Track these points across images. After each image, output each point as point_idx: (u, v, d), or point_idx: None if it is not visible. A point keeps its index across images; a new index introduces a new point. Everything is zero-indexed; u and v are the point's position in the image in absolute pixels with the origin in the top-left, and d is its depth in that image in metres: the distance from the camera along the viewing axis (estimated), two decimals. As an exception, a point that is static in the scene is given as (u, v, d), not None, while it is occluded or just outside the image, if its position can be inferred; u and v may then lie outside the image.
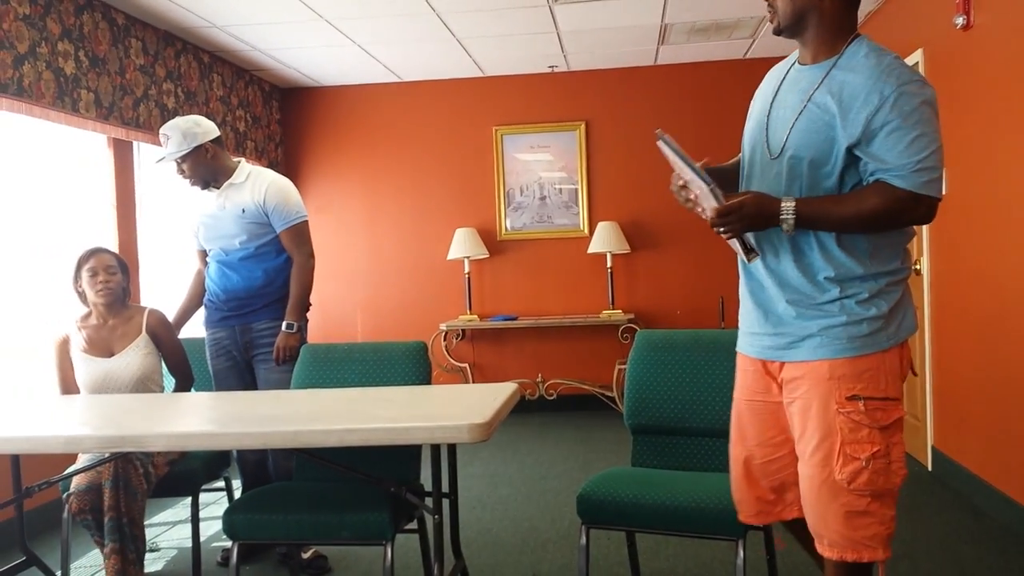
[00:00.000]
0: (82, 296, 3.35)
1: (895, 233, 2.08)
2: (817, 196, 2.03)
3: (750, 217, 2.01)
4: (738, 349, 2.30)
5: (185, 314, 3.92)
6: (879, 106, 1.96)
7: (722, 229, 2.03)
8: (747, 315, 2.24)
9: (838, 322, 2.04)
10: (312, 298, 3.80)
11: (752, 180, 2.21)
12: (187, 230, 3.90)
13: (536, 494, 4.56)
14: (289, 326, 3.61)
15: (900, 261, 2.11)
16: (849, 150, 2.01)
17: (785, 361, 2.13)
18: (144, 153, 5.31)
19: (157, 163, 3.66)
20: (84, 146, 4.91)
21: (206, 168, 3.63)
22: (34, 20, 4.18)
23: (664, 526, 2.63)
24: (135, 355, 3.33)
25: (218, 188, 3.66)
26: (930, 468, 4.69)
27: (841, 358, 2.03)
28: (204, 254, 3.85)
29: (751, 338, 2.23)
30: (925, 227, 4.64)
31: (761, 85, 2.35)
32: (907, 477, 2.12)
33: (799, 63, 2.17)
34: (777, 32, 2.16)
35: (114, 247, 4.97)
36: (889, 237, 2.07)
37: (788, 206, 1.99)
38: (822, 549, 2.10)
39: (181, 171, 3.63)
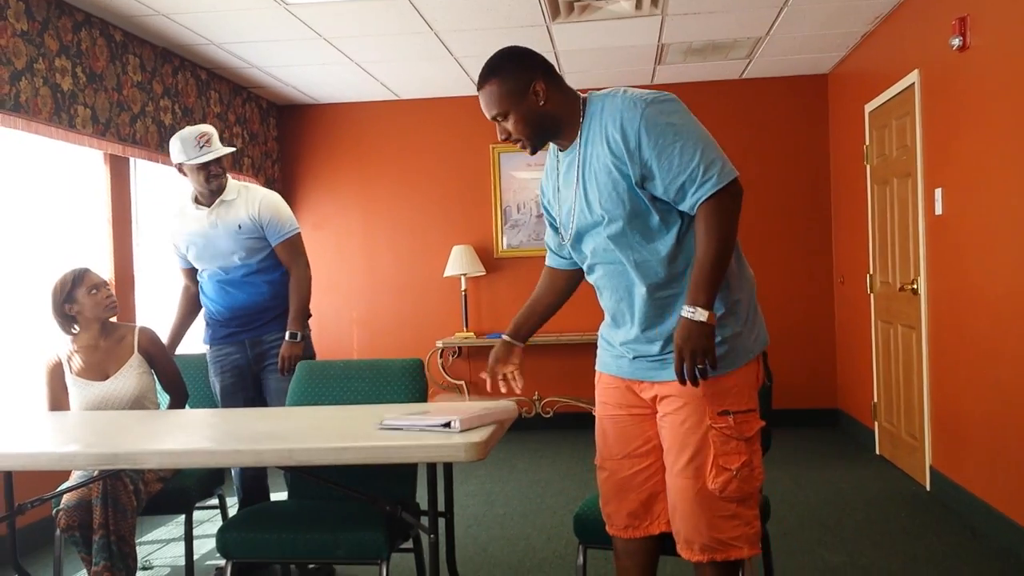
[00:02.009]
0: (67, 320, 3.26)
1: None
2: (694, 278, 2.14)
3: (690, 341, 2.11)
4: (601, 370, 2.45)
5: (178, 333, 3.91)
6: (638, 137, 2.13)
7: (697, 367, 2.11)
8: (612, 338, 2.39)
9: None
10: (316, 313, 3.85)
11: (596, 274, 2.37)
12: (167, 249, 3.88)
13: (533, 513, 4.53)
14: (293, 335, 3.64)
15: (744, 285, 2.28)
16: (640, 188, 2.17)
17: (655, 381, 2.28)
18: (140, 170, 5.30)
19: (209, 157, 3.56)
20: (80, 162, 4.90)
21: (225, 177, 3.68)
22: (32, 36, 4.18)
23: (661, 546, 2.60)
24: (130, 375, 3.30)
25: (208, 206, 3.66)
26: (928, 488, 4.67)
27: (712, 377, 2.15)
28: (191, 272, 3.85)
29: (618, 360, 2.38)
30: (922, 247, 4.65)
31: (546, 183, 2.46)
32: (764, 480, 2.27)
33: (560, 151, 2.34)
34: (534, 152, 2.32)
35: (110, 264, 4.96)
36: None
37: (686, 308, 2.12)
38: (691, 554, 2.24)
39: (215, 171, 3.61)
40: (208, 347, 3.79)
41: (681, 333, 2.13)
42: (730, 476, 2.19)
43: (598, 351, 2.48)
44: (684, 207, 2.17)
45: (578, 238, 2.35)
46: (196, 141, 3.55)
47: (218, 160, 3.61)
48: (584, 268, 2.43)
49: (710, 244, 2.13)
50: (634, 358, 2.32)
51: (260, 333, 3.72)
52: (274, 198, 3.77)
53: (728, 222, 2.14)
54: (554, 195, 2.41)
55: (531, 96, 2.21)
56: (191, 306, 3.90)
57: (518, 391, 2.55)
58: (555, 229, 2.49)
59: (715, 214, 2.12)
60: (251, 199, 3.68)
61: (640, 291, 2.26)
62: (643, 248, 2.23)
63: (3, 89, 3.99)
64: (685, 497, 2.23)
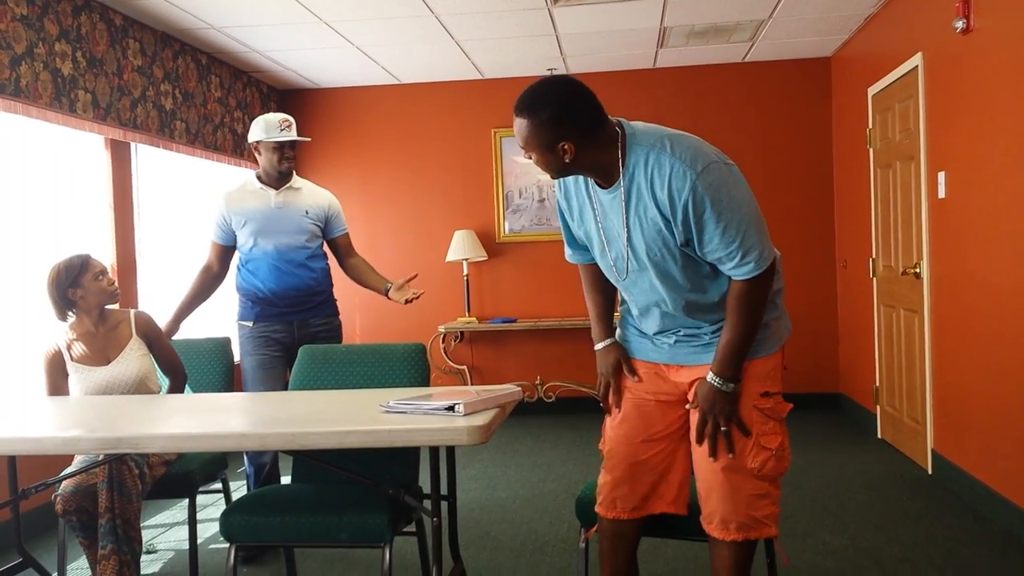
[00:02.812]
0: (68, 305, 3.24)
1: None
2: (723, 351, 2.21)
3: (716, 408, 2.22)
4: (636, 356, 2.44)
5: (187, 310, 3.98)
6: (685, 215, 2.11)
7: (721, 426, 2.23)
8: (644, 327, 2.41)
9: None
10: (345, 301, 4.30)
11: (629, 291, 2.38)
12: (209, 223, 4.03)
13: (535, 497, 4.55)
14: (391, 283, 4.01)
15: (778, 280, 2.34)
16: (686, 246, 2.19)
17: (697, 364, 2.32)
18: (141, 154, 5.29)
19: (286, 137, 3.90)
20: (81, 147, 4.89)
21: (295, 163, 4.03)
22: (31, 21, 4.17)
23: (664, 529, 2.61)
24: (132, 358, 3.30)
25: (275, 188, 3.95)
26: (930, 472, 4.68)
27: (755, 358, 2.25)
28: (224, 251, 4.01)
29: (657, 346, 2.39)
30: (925, 231, 4.64)
31: (564, 194, 2.43)
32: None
33: (597, 186, 2.27)
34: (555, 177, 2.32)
35: (111, 249, 4.96)
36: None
37: (716, 379, 2.21)
38: (727, 534, 2.25)
39: (288, 154, 3.94)
40: (249, 324, 3.95)
41: (708, 399, 2.22)
42: (769, 455, 2.24)
43: (627, 336, 2.48)
44: (715, 263, 2.20)
45: (621, 274, 2.34)
46: (279, 124, 3.91)
47: (292, 145, 3.94)
48: (611, 278, 2.42)
49: (741, 322, 2.19)
50: (676, 343, 2.35)
51: (308, 316, 3.98)
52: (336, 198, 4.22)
53: (760, 303, 2.21)
54: (581, 216, 2.38)
55: (558, 151, 2.15)
56: (207, 286, 4.03)
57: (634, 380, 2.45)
58: (573, 243, 2.52)
59: (747, 295, 2.18)
60: (318, 192, 4.11)
61: (678, 309, 2.30)
62: (692, 293, 2.26)
63: (3, 74, 3.97)
64: (724, 477, 2.25)
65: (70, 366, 3.27)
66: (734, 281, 2.19)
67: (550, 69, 6.64)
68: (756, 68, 6.68)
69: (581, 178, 2.32)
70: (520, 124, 2.18)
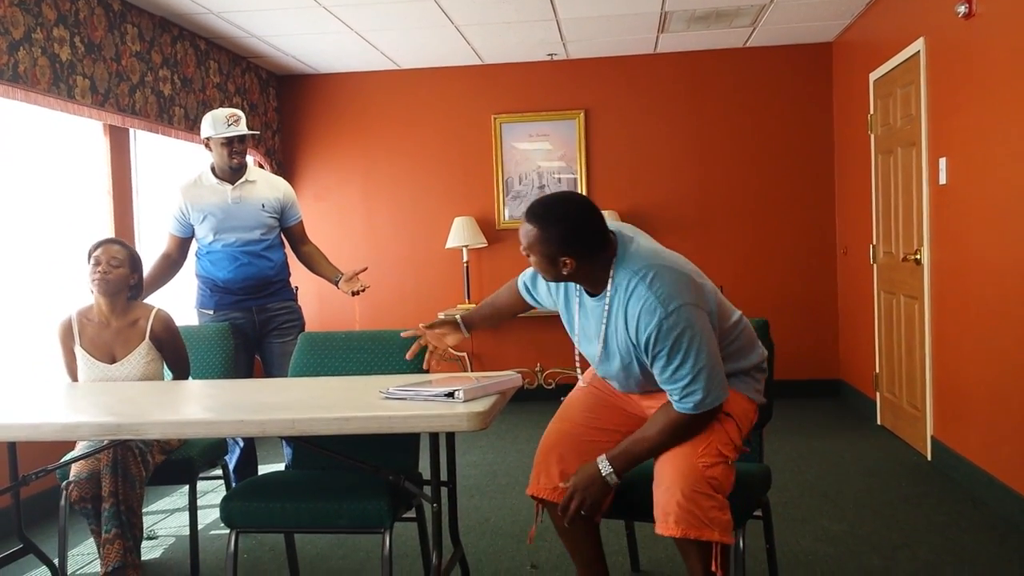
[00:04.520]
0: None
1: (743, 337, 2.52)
2: (627, 447, 2.40)
3: (588, 491, 2.38)
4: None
5: (147, 292, 3.97)
6: (646, 345, 2.31)
7: (579, 510, 2.38)
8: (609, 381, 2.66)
9: None
10: (310, 286, 4.41)
11: (599, 364, 2.58)
12: (167, 217, 4.15)
13: (534, 483, 4.55)
14: (341, 274, 4.17)
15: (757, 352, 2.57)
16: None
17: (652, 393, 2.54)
18: (140, 140, 5.28)
19: (234, 133, 3.95)
20: (80, 133, 4.88)
21: (245, 157, 4.08)
22: (29, 6, 4.14)
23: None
24: (137, 363, 3.26)
25: (231, 183, 4.02)
26: (929, 458, 4.69)
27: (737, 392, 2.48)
28: (182, 242, 4.13)
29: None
30: (926, 217, 4.63)
31: (559, 286, 2.62)
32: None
33: (586, 292, 2.50)
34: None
35: (111, 235, 4.94)
36: (740, 341, 2.50)
37: (605, 464, 2.38)
38: (667, 528, 2.29)
39: (238, 148, 3.99)
40: (210, 312, 4.09)
41: (586, 479, 2.38)
42: (720, 461, 2.34)
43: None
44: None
45: (591, 359, 2.58)
46: (226, 120, 3.97)
47: (241, 139, 3.99)
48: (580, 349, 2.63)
49: (658, 436, 2.36)
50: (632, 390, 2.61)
51: (267, 301, 4.11)
52: (291, 186, 4.34)
53: (684, 433, 2.36)
54: (566, 302, 2.59)
55: (559, 264, 2.36)
56: (166, 272, 4.14)
57: (426, 368, 2.75)
58: (533, 292, 2.75)
59: (677, 422, 2.34)
60: (274, 183, 4.20)
61: (638, 388, 2.56)
62: (654, 386, 2.45)
63: (1, 59, 3.95)
64: (674, 467, 2.32)
65: (77, 350, 3.25)
66: (667, 404, 2.38)
67: (550, 54, 6.61)
68: (757, 53, 6.65)
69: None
70: (529, 230, 2.37)
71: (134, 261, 3.31)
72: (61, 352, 3.32)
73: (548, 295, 2.67)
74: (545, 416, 2.73)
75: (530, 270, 2.70)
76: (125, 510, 2.92)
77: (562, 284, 2.56)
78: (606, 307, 2.40)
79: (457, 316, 2.81)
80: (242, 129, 3.97)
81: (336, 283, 4.16)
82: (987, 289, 3.96)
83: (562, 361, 6.71)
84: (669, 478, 2.32)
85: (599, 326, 2.45)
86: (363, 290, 4.13)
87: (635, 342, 2.34)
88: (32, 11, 4.16)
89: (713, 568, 2.29)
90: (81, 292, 3.38)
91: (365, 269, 4.19)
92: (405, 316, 6.79)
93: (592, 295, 2.46)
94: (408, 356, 2.84)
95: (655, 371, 2.35)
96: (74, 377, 3.32)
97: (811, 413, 6.02)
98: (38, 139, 4.65)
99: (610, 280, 2.38)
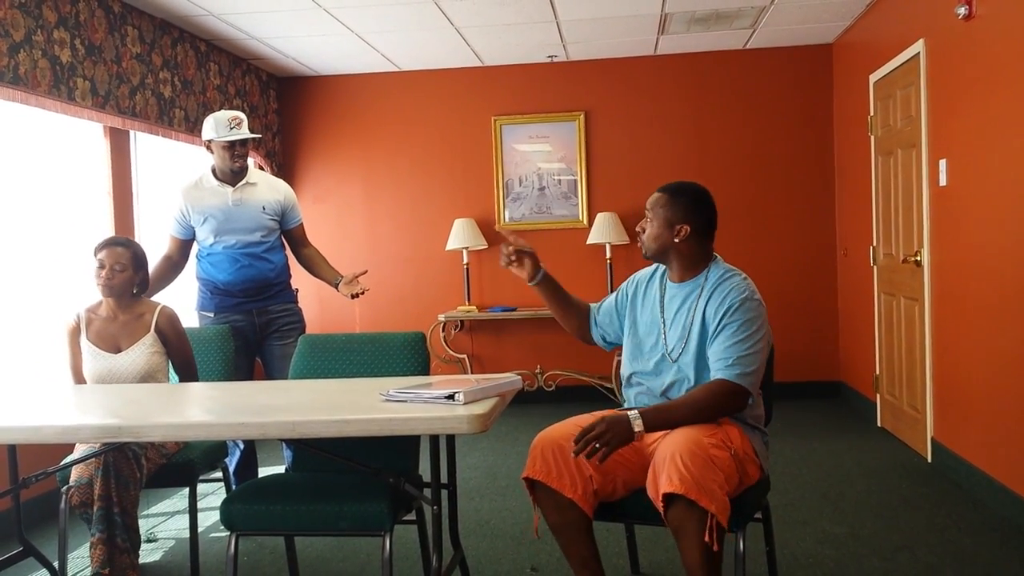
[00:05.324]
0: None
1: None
2: (666, 405, 2.56)
3: (611, 432, 2.40)
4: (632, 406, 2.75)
5: (150, 293, 3.99)
6: (725, 312, 2.56)
7: (598, 446, 2.39)
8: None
9: None
10: (310, 288, 4.43)
11: (649, 377, 2.72)
12: (168, 219, 4.15)
13: (535, 485, 4.55)
14: (341, 276, 4.19)
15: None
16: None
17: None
18: (140, 143, 5.28)
19: (236, 136, 3.95)
20: (80, 135, 4.88)
21: (247, 160, 4.08)
22: (29, 8, 4.14)
23: (661, 518, 2.61)
24: (140, 353, 3.30)
25: (232, 185, 4.02)
26: (930, 460, 4.69)
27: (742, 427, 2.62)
28: (183, 244, 4.14)
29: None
30: (926, 219, 4.62)
31: (634, 289, 2.87)
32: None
33: (669, 280, 2.77)
34: (646, 257, 2.77)
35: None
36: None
37: (636, 414, 2.44)
38: (669, 485, 2.28)
39: (240, 152, 3.99)
40: (211, 314, 4.08)
41: (612, 421, 2.41)
42: (726, 449, 2.43)
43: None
44: (710, 364, 2.57)
45: (656, 367, 2.70)
46: (228, 122, 3.96)
47: (243, 142, 3.99)
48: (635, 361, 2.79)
49: (693, 408, 2.50)
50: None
51: (267, 303, 4.11)
52: (291, 189, 4.32)
53: (715, 408, 2.51)
54: (643, 303, 2.80)
55: (674, 229, 2.66)
56: (168, 273, 4.14)
57: (510, 251, 2.81)
58: (610, 313, 2.90)
59: (716, 397, 2.51)
60: (275, 185, 4.20)
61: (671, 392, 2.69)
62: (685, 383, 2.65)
63: (2, 62, 3.95)
64: (679, 435, 2.39)
65: (83, 343, 3.30)
66: (716, 379, 2.52)
67: (550, 56, 6.61)
68: (757, 55, 6.65)
69: (658, 273, 2.80)
70: (658, 196, 2.71)
71: (138, 260, 3.36)
72: (68, 351, 3.35)
73: (612, 309, 2.87)
74: (545, 419, 2.73)
75: (597, 303, 2.94)
76: (119, 512, 2.92)
77: (634, 284, 2.85)
78: (700, 288, 2.66)
79: (543, 266, 2.88)
80: (244, 133, 3.97)
81: (336, 286, 4.17)
82: (987, 291, 3.96)
83: (562, 363, 6.71)
84: (674, 446, 2.34)
85: (675, 312, 2.68)
86: (362, 293, 4.14)
87: (712, 317, 2.58)
88: (33, 13, 4.16)
89: (707, 539, 2.26)
90: (84, 293, 3.40)
91: (365, 272, 4.20)
92: (405, 318, 6.79)
93: (676, 283, 2.72)
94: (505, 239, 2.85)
95: (719, 339, 2.54)
96: (78, 378, 3.34)
97: (811, 415, 6.02)
98: (39, 141, 4.65)
99: (707, 269, 2.69)
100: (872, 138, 5.59)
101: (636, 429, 2.42)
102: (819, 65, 6.60)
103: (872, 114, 5.58)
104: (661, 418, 2.47)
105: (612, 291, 6.62)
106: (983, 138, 3.97)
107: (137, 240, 5.11)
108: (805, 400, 6.43)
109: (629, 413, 2.43)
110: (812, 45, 6.57)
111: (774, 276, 6.61)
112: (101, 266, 3.27)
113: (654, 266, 2.85)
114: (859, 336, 6.09)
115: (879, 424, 5.62)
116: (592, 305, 2.97)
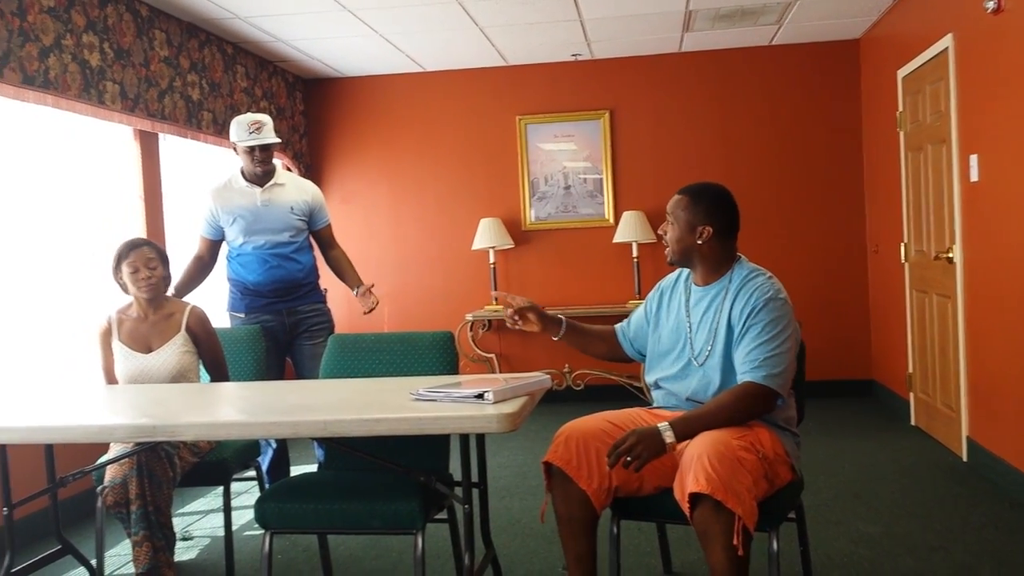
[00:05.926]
0: (123, 287, 3.36)
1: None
2: (692, 413, 2.50)
3: (642, 445, 2.36)
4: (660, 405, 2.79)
5: (181, 292, 4.10)
6: (750, 313, 2.54)
7: (630, 455, 2.36)
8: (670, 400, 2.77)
9: None
10: (339, 288, 4.58)
11: (674, 381, 2.72)
12: (198, 220, 4.21)
13: (563, 484, 4.54)
14: (361, 285, 4.27)
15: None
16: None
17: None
18: (170, 145, 5.33)
19: (254, 143, 3.98)
20: (110, 138, 4.93)
21: (272, 164, 4.11)
22: (59, 12, 4.20)
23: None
24: (172, 352, 3.33)
25: (260, 186, 4.06)
26: (965, 459, 4.63)
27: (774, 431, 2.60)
28: (213, 244, 4.19)
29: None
30: (957, 215, 4.57)
31: (659, 296, 2.86)
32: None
33: (694, 284, 2.75)
34: (670, 263, 2.75)
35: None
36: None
37: (666, 425, 2.40)
38: (696, 485, 2.25)
39: (260, 157, 4.01)
40: (241, 315, 4.13)
41: (643, 434, 2.37)
42: (754, 453, 2.39)
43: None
44: (736, 367, 2.55)
45: (682, 371, 2.69)
46: (248, 127, 3.99)
47: (265, 147, 4.01)
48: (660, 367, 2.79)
49: (721, 412, 2.45)
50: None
51: (296, 304, 4.16)
52: (319, 190, 4.37)
53: (744, 411, 2.47)
54: (669, 308, 2.79)
55: (696, 232, 2.64)
56: (199, 273, 4.20)
57: (507, 305, 2.83)
58: (638, 330, 2.89)
59: (744, 400, 2.47)
60: (302, 186, 4.24)
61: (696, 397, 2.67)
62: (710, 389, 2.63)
63: (33, 66, 4.01)
64: (708, 437, 2.36)
65: (115, 344, 3.33)
66: (741, 381, 2.50)
67: (574, 55, 6.60)
68: (783, 51, 6.60)
69: (682, 278, 2.79)
70: (679, 199, 2.68)
71: (163, 257, 3.41)
72: (100, 352, 3.38)
73: (642, 321, 2.86)
74: (573, 417, 2.72)
75: (624, 322, 2.95)
76: (153, 511, 2.95)
77: (659, 292, 2.84)
78: (725, 290, 2.63)
79: (560, 315, 2.90)
80: (264, 137, 3.99)
81: (355, 294, 4.27)
82: (1021, 287, 3.90)
83: (590, 362, 6.69)
84: (702, 447, 2.32)
85: (700, 315, 2.66)
86: (376, 305, 4.26)
87: (738, 319, 2.56)
88: (62, 18, 4.21)
89: (735, 542, 2.22)
90: (115, 294, 3.43)
91: (372, 285, 4.29)
92: (433, 318, 6.81)
93: (701, 286, 2.70)
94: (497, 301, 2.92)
95: (744, 340, 2.52)
96: (111, 379, 3.37)
97: (843, 413, 5.97)
98: (71, 145, 4.70)
99: (731, 271, 2.66)
100: (901, 134, 5.53)
101: (667, 441, 2.38)
102: (846, 61, 6.54)
103: (901, 110, 5.52)
104: (691, 427, 2.44)
105: (638, 289, 6.65)
106: (1015, 132, 3.91)
107: (166, 241, 5.19)
108: (837, 398, 6.37)
109: (659, 425, 2.41)
110: (839, 40, 6.51)
111: (804, 274, 6.56)
112: (135, 270, 3.29)
113: (677, 271, 2.84)
114: (891, 334, 6.03)
115: (912, 422, 5.55)
116: (617, 326, 2.97)
